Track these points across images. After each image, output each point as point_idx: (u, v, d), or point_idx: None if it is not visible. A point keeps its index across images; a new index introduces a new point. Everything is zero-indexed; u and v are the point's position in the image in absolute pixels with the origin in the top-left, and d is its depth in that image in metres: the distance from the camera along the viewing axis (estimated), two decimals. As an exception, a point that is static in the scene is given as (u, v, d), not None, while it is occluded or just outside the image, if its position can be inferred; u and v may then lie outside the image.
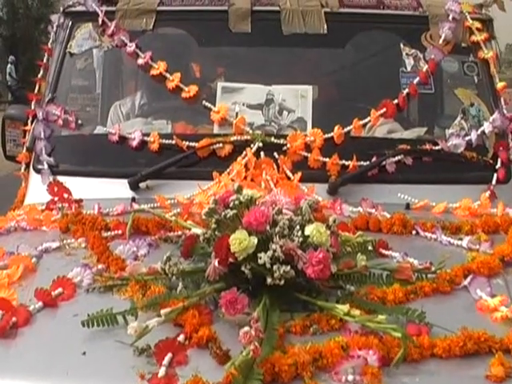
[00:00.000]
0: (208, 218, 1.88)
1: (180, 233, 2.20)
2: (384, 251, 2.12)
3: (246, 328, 1.56)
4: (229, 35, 2.85)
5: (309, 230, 1.80)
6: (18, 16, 27.78)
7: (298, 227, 1.79)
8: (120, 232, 2.25)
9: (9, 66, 22.56)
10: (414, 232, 2.31)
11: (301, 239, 1.77)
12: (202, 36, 2.93)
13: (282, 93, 2.75)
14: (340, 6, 2.89)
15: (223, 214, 1.84)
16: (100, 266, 2.01)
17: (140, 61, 2.82)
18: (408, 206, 2.52)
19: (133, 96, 3.15)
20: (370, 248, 2.10)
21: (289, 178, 2.59)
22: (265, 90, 2.76)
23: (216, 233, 1.83)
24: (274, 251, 1.72)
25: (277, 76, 2.87)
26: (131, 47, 2.84)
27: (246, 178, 2.57)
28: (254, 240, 1.73)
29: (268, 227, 1.79)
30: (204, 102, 2.74)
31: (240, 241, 1.72)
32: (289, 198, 1.92)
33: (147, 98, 3.10)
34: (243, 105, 2.74)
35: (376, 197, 2.53)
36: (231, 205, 1.86)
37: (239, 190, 1.92)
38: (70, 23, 2.96)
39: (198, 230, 2.02)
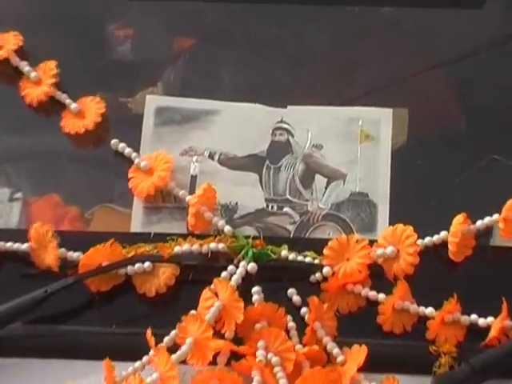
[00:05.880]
0: None
1: None
2: None
3: None
4: None
5: None
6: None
7: None
8: None
9: None
10: None
11: None
12: None
13: (311, 124, 1.15)
14: None
15: None
16: None
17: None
18: None
19: None
20: None
21: (328, 360, 0.99)
22: (270, 115, 1.16)
23: None
24: None
25: (299, 85, 1.25)
26: None
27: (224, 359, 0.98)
28: None
29: None
30: (111, 145, 1.15)
31: None
32: None
33: None
34: (213, 157, 1.13)
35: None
36: None
37: None
38: None
39: None
